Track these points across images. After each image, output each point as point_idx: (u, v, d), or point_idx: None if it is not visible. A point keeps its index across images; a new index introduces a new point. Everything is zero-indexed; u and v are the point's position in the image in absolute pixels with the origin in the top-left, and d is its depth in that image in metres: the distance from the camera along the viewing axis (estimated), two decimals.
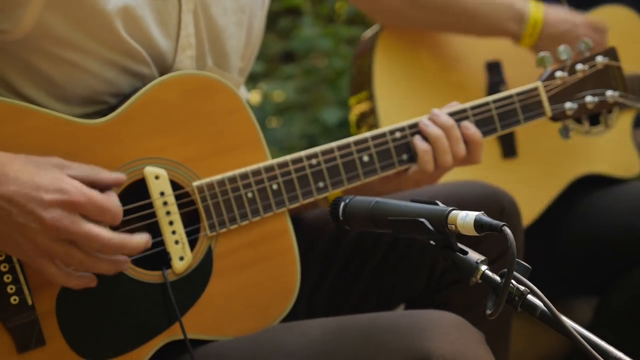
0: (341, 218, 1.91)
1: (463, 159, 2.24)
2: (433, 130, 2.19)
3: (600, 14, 3.25)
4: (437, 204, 1.79)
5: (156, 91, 2.00)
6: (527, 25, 3.00)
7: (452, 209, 1.75)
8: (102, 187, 1.89)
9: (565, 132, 2.40)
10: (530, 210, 3.11)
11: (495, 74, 3.13)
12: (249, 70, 2.41)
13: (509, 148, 3.13)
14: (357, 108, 3.12)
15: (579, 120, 3.13)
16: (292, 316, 2.12)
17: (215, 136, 2.04)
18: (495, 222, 1.69)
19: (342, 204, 1.90)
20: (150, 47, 2.04)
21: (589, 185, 3.26)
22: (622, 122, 3.31)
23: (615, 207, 3.20)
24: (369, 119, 3.04)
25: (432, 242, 1.80)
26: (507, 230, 1.66)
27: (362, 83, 3.09)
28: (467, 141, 2.22)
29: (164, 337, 1.98)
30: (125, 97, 2.02)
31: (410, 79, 3.08)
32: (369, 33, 3.19)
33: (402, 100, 2.85)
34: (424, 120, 2.20)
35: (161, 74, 2.06)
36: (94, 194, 1.84)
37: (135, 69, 2.03)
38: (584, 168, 3.26)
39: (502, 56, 3.12)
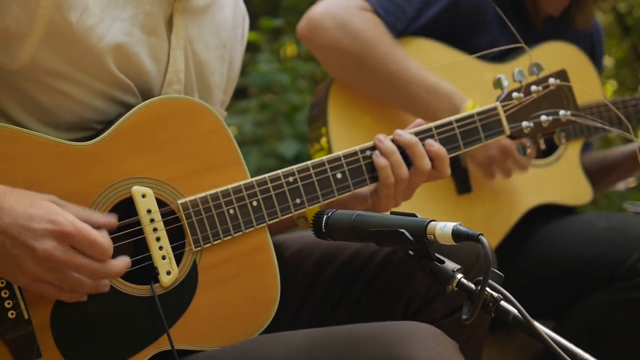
0: (324, 230, 2.03)
1: (430, 173, 2.36)
2: (387, 146, 2.31)
3: (547, 49, 3.41)
4: (416, 216, 1.91)
5: (142, 114, 2.11)
6: None
7: (431, 220, 1.88)
8: (95, 227, 1.98)
9: (522, 150, 2.53)
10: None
11: None
12: (227, 103, 2.53)
13: (463, 185, 3.25)
14: (314, 140, 3.27)
15: (535, 142, 3.30)
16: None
17: (198, 156, 2.15)
18: (471, 231, 1.82)
19: (325, 217, 2.03)
20: (140, 80, 2.16)
21: (544, 214, 3.40)
22: (571, 152, 3.46)
23: (568, 237, 3.34)
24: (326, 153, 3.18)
25: (410, 252, 1.92)
26: (484, 239, 1.79)
27: (319, 125, 3.23)
28: (432, 157, 2.35)
29: (153, 349, 2.07)
30: (110, 123, 2.13)
31: (362, 122, 3.23)
32: (323, 83, 3.34)
33: (356, 138, 3.00)
34: (379, 136, 2.33)
35: None
36: (86, 227, 1.93)
37: (123, 99, 2.15)
38: (537, 199, 3.39)
39: None
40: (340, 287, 2.51)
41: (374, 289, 2.47)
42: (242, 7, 2.50)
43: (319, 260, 2.51)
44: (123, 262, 1.99)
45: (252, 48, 6.36)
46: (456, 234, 1.84)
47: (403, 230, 1.90)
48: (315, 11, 3.19)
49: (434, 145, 2.35)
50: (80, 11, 2.04)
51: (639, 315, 3.21)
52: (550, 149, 3.43)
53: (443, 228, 1.86)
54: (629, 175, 3.90)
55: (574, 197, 3.48)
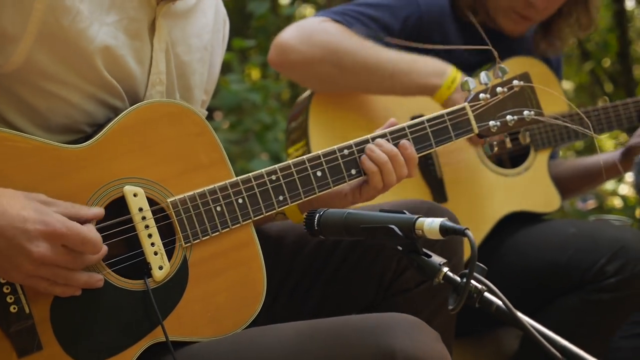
0: (316, 228, 2.16)
1: (404, 177, 2.49)
2: (379, 155, 2.44)
3: (514, 63, 3.53)
4: (404, 213, 2.04)
5: (131, 118, 2.22)
6: (447, 78, 3.25)
7: (419, 217, 2.02)
8: (83, 222, 2.09)
9: (490, 148, 2.66)
10: None
11: None
12: (208, 103, 2.64)
13: (439, 194, 3.40)
14: (295, 154, 3.38)
15: (501, 163, 3.43)
16: (254, 326, 2.33)
17: (185, 156, 2.26)
18: (458, 226, 1.96)
19: (317, 215, 2.17)
20: (126, 83, 2.27)
21: (515, 222, 3.51)
22: (539, 162, 3.60)
23: (538, 243, 3.46)
24: None
25: (399, 247, 2.05)
26: (469, 233, 1.92)
27: (299, 136, 3.36)
28: (405, 159, 2.48)
29: (148, 340, 2.17)
30: (100, 126, 2.24)
31: (342, 132, 3.34)
32: (303, 96, 3.45)
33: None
34: (369, 146, 2.45)
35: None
36: (76, 226, 2.04)
37: (111, 102, 2.26)
38: (509, 207, 3.51)
39: (425, 111, 3.31)
40: (314, 266, 2.63)
41: (347, 266, 2.60)
42: (223, 10, 2.61)
43: (293, 243, 2.64)
44: (103, 249, 2.09)
45: (222, 68, 6.51)
46: (443, 229, 1.98)
47: (393, 226, 2.03)
48: (280, 37, 3.32)
49: (408, 148, 2.48)
50: (72, 14, 2.14)
51: (607, 316, 3.33)
52: (520, 159, 3.57)
53: (431, 223, 1.99)
54: (601, 183, 4.05)
55: (543, 205, 3.60)
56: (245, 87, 6.18)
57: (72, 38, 2.15)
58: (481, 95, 2.62)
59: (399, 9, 3.39)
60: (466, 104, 2.61)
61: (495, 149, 2.66)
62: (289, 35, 3.30)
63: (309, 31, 3.27)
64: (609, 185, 7.56)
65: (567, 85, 10.59)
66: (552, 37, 3.67)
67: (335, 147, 2.43)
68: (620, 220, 3.66)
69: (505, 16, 3.54)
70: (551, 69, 3.71)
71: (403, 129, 2.51)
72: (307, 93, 3.43)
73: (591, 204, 7.98)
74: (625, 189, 8.77)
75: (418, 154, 2.51)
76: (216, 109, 6.51)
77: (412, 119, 3.28)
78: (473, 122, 2.60)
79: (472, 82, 2.60)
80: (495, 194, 3.49)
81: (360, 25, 3.33)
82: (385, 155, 2.43)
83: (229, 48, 6.27)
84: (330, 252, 2.60)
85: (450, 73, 3.25)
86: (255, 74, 9.23)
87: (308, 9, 11.95)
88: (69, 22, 2.14)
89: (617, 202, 8.76)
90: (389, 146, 2.46)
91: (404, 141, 2.48)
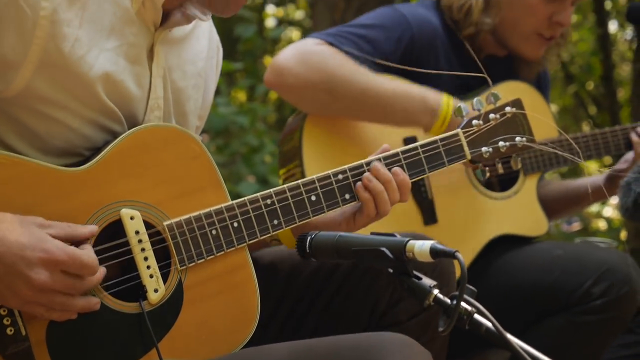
0: (308, 251, 2.19)
1: (396, 202, 2.51)
2: (376, 185, 2.47)
3: (505, 88, 3.58)
4: (395, 236, 2.08)
5: (129, 141, 2.24)
6: (439, 118, 3.28)
7: (409, 239, 2.05)
8: (80, 242, 2.11)
9: (482, 174, 2.70)
10: None
11: None
12: (201, 128, 2.67)
13: (429, 216, 3.43)
14: (287, 174, 3.41)
15: (491, 187, 3.46)
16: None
17: (182, 180, 2.29)
18: (448, 248, 1.99)
19: (309, 238, 2.20)
20: (126, 107, 2.30)
21: (503, 244, 3.55)
22: (528, 186, 3.64)
23: (526, 265, 3.49)
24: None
25: (390, 269, 2.08)
26: (459, 255, 1.95)
27: (292, 156, 3.39)
28: (398, 185, 2.50)
29: None
30: (98, 149, 2.26)
31: (335, 153, 3.38)
32: (295, 115, 3.49)
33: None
34: (367, 175, 2.47)
35: None
36: (76, 252, 2.06)
37: (110, 126, 2.28)
38: (498, 230, 3.55)
39: (418, 132, 3.40)
40: (307, 296, 2.65)
41: (341, 296, 2.63)
42: (216, 37, 2.64)
43: (288, 271, 2.67)
44: (101, 272, 2.11)
45: None
46: (434, 251, 2.01)
47: (384, 249, 2.06)
48: (277, 58, 3.35)
49: (400, 175, 2.51)
50: (72, 41, 2.17)
51: (593, 337, 3.36)
52: (510, 182, 3.61)
53: (421, 246, 2.02)
54: (589, 205, 4.09)
55: (531, 229, 3.64)
56: (233, 110, 6.21)
57: (72, 65, 2.18)
58: (474, 122, 2.65)
59: (392, 30, 3.43)
60: (459, 130, 2.64)
61: (488, 174, 2.69)
62: (286, 57, 3.33)
63: (306, 54, 3.31)
64: (594, 207, 7.62)
65: (551, 107, 10.67)
66: (533, 63, 3.72)
67: (329, 172, 2.46)
68: (605, 243, 3.70)
69: (528, 41, 3.59)
70: (541, 93, 3.76)
71: (397, 154, 2.54)
72: (300, 113, 3.46)
73: (576, 226, 8.04)
74: (610, 211, 8.84)
75: (411, 179, 2.54)
76: (204, 131, 6.53)
77: (405, 139, 3.37)
78: (466, 148, 2.63)
79: (465, 108, 2.64)
80: (484, 217, 3.53)
81: (355, 47, 3.37)
82: (381, 185, 2.46)
83: None
84: (324, 281, 2.64)
85: (442, 110, 3.27)
86: (241, 96, 9.27)
87: (294, 32, 12.02)
88: (69, 49, 2.17)
89: (601, 225, 8.83)
90: (385, 173, 2.48)
91: (396, 168, 2.51)
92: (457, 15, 3.54)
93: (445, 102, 3.28)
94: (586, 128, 10.64)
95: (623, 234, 6.92)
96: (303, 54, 3.31)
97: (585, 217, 8.22)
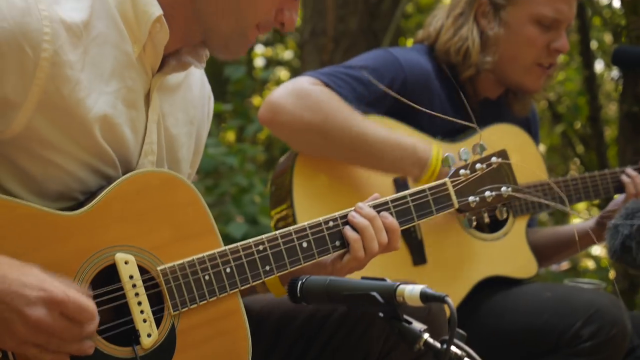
0: (299, 295, 2.22)
1: (385, 246, 2.54)
2: (360, 220, 2.50)
3: (494, 131, 3.63)
4: (385, 280, 2.10)
5: (125, 186, 2.27)
6: (428, 171, 3.31)
7: (400, 284, 2.07)
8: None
9: (469, 223, 2.73)
10: None
11: (402, 190, 3.45)
12: (193, 176, 2.70)
13: (418, 256, 3.45)
14: (278, 216, 3.44)
15: (480, 228, 3.49)
16: None
17: (175, 225, 2.31)
18: (438, 293, 2.01)
19: (300, 282, 2.23)
20: (121, 152, 2.32)
21: (493, 285, 3.57)
22: (517, 227, 3.66)
23: (515, 307, 3.51)
24: (290, 223, 3.34)
25: (380, 314, 2.10)
26: (449, 300, 1.98)
27: (283, 198, 3.41)
28: (386, 229, 2.53)
29: None
30: (92, 194, 2.28)
31: (325, 194, 3.41)
32: (286, 156, 3.52)
33: (319, 211, 3.16)
34: (352, 213, 2.51)
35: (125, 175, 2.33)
36: (75, 294, 2.08)
37: (105, 171, 2.31)
38: (487, 271, 3.56)
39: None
40: (299, 346, 2.66)
41: (332, 347, 2.64)
42: (208, 87, 2.68)
43: (278, 320, 2.68)
44: (96, 320, 2.12)
45: None
46: (424, 296, 2.03)
47: (374, 293, 2.09)
48: (272, 95, 3.38)
49: (388, 217, 2.54)
50: (73, 84, 2.20)
51: None
52: (499, 224, 3.64)
53: (412, 290, 2.05)
54: (579, 252, 4.11)
55: (521, 270, 3.66)
56: (222, 150, 6.24)
57: (72, 106, 2.21)
58: (461, 171, 2.70)
59: (385, 73, 3.47)
60: (447, 179, 2.68)
61: (474, 223, 2.73)
62: (282, 94, 3.36)
63: (302, 94, 3.34)
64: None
65: (540, 147, 10.73)
66: (524, 97, 3.76)
67: (320, 219, 2.49)
68: (594, 284, 3.72)
69: (530, 73, 3.63)
70: (528, 132, 3.80)
71: (386, 202, 2.57)
72: (291, 153, 3.48)
73: (564, 265, 8.06)
74: (598, 250, 8.87)
75: (401, 227, 2.57)
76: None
77: (395, 181, 3.40)
78: (454, 197, 2.67)
79: (452, 158, 2.68)
80: (473, 258, 3.55)
81: (349, 88, 3.41)
82: (366, 220, 2.49)
83: None
84: (315, 330, 2.66)
85: (432, 162, 3.31)
86: (230, 135, 9.30)
87: (283, 72, 12.07)
88: (69, 91, 2.20)
89: (590, 264, 8.85)
90: (368, 209, 2.51)
91: (383, 212, 2.54)
92: (456, 59, 3.58)
93: (435, 154, 3.32)
94: (574, 167, 10.70)
95: (612, 274, 6.94)
96: (299, 93, 3.34)
97: (573, 256, 8.23)
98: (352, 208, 2.54)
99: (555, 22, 3.57)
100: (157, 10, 2.30)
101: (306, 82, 3.38)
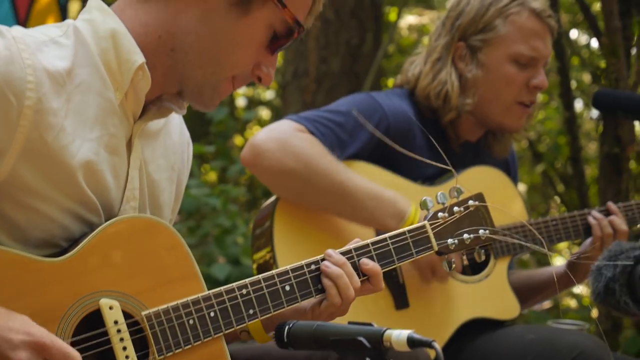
0: (286, 340, 2.22)
1: (364, 289, 2.54)
2: (333, 269, 2.50)
3: (473, 173, 3.67)
4: (372, 325, 2.11)
5: (107, 233, 2.28)
6: (405, 224, 3.34)
7: (387, 329, 2.08)
8: None
9: (448, 266, 2.75)
10: None
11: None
12: (174, 221, 2.71)
13: (401, 300, 3.46)
14: (260, 261, 3.45)
15: (462, 270, 3.51)
16: None
17: (159, 270, 2.32)
18: (425, 338, 2.02)
19: (286, 327, 2.23)
20: (103, 197, 2.33)
21: (476, 328, 3.58)
22: (499, 269, 3.68)
23: (499, 350, 3.51)
24: (271, 268, 3.35)
25: (368, 359, 2.11)
26: (436, 345, 1.99)
27: (265, 242, 3.43)
28: (368, 275, 2.54)
29: None
30: (75, 241, 2.29)
31: (306, 239, 3.43)
32: (268, 201, 3.54)
33: (301, 256, 3.19)
34: (324, 262, 2.52)
35: (107, 221, 2.33)
36: (60, 340, 2.09)
37: (88, 217, 2.31)
38: (469, 314, 3.58)
39: None
40: None
41: None
42: (187, 133, 2.69)
43: None
44: None
45: None
46: (411, 341, 2.05)
47: (361, 338, 2.09)
48: (256, 137, 3.41)
49: (369, 263, 2.55)
50: (56, 131, 2.21)
51: None
52: (481, 266, 3.66)
53: (398, 335, 2.06)
54: (553, 295, 4.13)
55: (503, 312, 3.67)
56: (205, 191, 6.24)
57: (55, 153, 2.22)
58: (439, 214, 2.72)
59: (368, 118, 3.49)
60: (426, 222, 2.70)
61: (454, 266, 2.74)
62: (265, 138, 3.39)
63: (286, 140, 3.37)
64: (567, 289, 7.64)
65: (520, 186, 10.79)
66: (503, 137, 3.79)
67: (302, 262, 2.50)
68: (577, 325, 3.73)
69: (511, 112, 3.67)
70: (507, 173, 3.82)
71: (367, 245, 2.59)
72: (272, 198, 3.50)
73: (546, 304, 8.08)
74: (580, 288, 8.89)
75: (382, 270, 2.58)
76: None
77: (377, 230, 3.39)
78: (433, 240, 2.69)
79: (430, 201, 2.70)
80: (456, 300, 3.56)
81: (333, 135, 3.43)
82: (338, 269, 2.50)
83: None
84: None
85: (410, 217, 3.34)
86: (212, 176, 9.31)
87: (264, 111, 12.12)
88: (53, 138, 2.21)
89: (572, 303, 8.86)
90: (338, 256, 2.52)
91: (364, 258, 2.55)
92: (436, 103, 3.62)
93: (413, 210, 3.36)
94: (555, 206, 10.75)
95: (594, 312, 6.96)
96: (282, 138, 3.37)
97: (548, 299, 8.24)
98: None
99: (532, 59, 3.62)
100: (139, 58, 2.32)
101: (290, 128, 3.40)
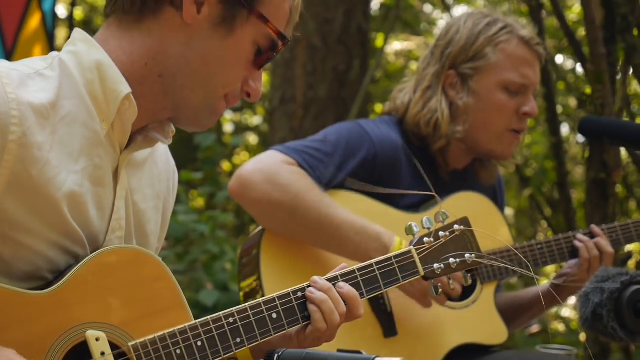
0: None
1: (345, 315, 2.55)
2: (318, 295, 2.51)
3: (458, 199, 3.68)
4: (361, 353, 2.11)
5: (93, 264, 2.28)
6: None
7: (376, 356, 2.08)
8: None
9: (435, 290, 2.75)
10: None
11: None
12: (160, 249, 2.71)
13: (389, 328, 3.46)
14: (247, 289, 3.45)
15: (449, 296, 3.51)
16: None
17: (146, 301, 2.32)
18: None
19: (276, 355, 2.22)
20: (87, 229, 2.33)
21: (464, 354, 3.58)
22: (486, 294, 3.69)
23: None
24: (257, 296, 3.36)
25: None
26: None
27: (251, 271, 3.43)
28: (345, 299, 2.54)
29: None
30: (61, 273, 2.29)
31: (293, 268, 3.44)
32: (255, 230, 3.55)
33: (287, 285, 3.19)
34: (309, 289, 2.53)
35: (93, 252, 2.33)
36: None
37: (73, 249, 2.31)
38: (458, 340, 3.58)
39: None
40: None
41: None
42: (172, 162, 2.70)
43: None
44: None
45: None
46: None
47: None
48: (244, 168, 3.42)
49: (344, 287, 2.55)
50: (41, 164, 2.21)
51: None
52: (468, 291, 3.66)
53: None
54: (539, 315, 4.14)
55: (491, 337, 3.68)
56: (193, 218, 6.24)
57: (41, 186, 2.22)
58: (425, 239, 2.73)
59: (356, 149, 3.51)
60: (412, 247, 2.72)
61: (440, 290, 2.75)
62: (253, 170, 3.40)
63: (275, 171, 3.38)
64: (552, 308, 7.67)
65: (507, 210, 10.82)
66: (488, 163, 3.81)
67: (289, 289, 2.51)
68: (565, 350, 3.73)
69: (501, 139, 3.68)
70: (494, 199, 3.83)
71: (353, 271, 2.60)
72: (259, 227, 3.51)
73: (535, 328, 8.09)
74: (568, 312, 8.91)
75: (367, 295, 2.60)
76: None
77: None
78: (419, 264, 2.70)
79: (415, 226, 2.71)
80: (444, 327, 3.56)
81: (321, 166, 3.44)
82: (323, 294, 2.51)
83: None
84: None
85: (393, 249, 3.34)
86: (200, 201, 9.31)
87: (252, 136, 12.15)
88: (38, 172, 2.21)
89: (560, 327, 8.88)
90: (323, 282, 2.53)
91: (340, 282, 2.56)
92: (426, 131, 3.64)
93: (397, 242, 3.37)
94: (542, 229, 10.77)
95: (582, 336, 6.97)
96: (270, 170, 3.38)
97: (543, 318, 8.26)
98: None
99: (522, 87, 3.64)
100: (125, 89, 2.32)
101: (278, 160, 3.41)
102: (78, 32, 2.41)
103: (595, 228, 3.72)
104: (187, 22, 2.34)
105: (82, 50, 2.35)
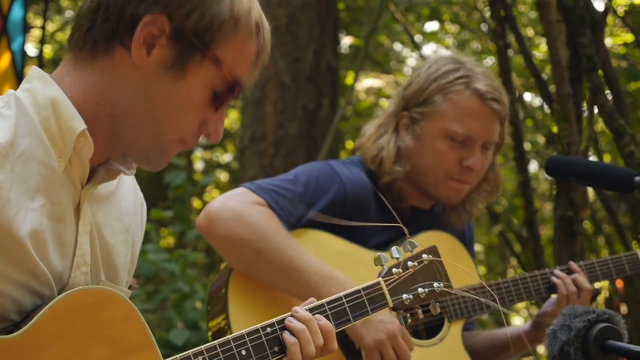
0: None
1: (322, 348, 2.57)
2: (297, 324, 2.53)
3: (426, 238, 3.68)
4: None
5: (60, 306, 2.26)
6: None
7: None
8: None
9: (404, 320, 2.77)
10: None
11: None
12: (129, 282, 2.70)
13: None
14: (215, 328, 3.45)
15: (417, 334, 3.52)
16: None
17: (114, 342, 2.31)
18: None
19: None
20: (51, 267, 2.31)
21: None
22: (453, 332, 3.69)
23: None
24: (225, 335, 3.35)
25: None
26: None
27: (219, 310, 3.44)
28: (321, 331, 2.57)
29: None
30: (28, 314, 2.27)
31: (261, 307, 3.45)
32: (222, 270, 3.56)
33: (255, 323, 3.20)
34: (289, 317, 2.55)
35: (59, 291, 2.33)
36: None
37: (39, 289, 2.30)
38: None
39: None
40: None
41: None
42: (140, 195, 2.68)
43: None
44: None
45: None
46: None
47: None
48: (212, 205, 3.42)
49: (322, 319, 2.58)
50: (2, 203, 2.19)
51: None
52: (436, 330, 3.68)
53: None
54: (521, 352, 4.16)
55: None
56: (163, 256, 6.23)
57: (3, 226, 2.20)
58: (394, 270, 2.76)
59: (327, 188, 3.54)
60: (380, 279, 2.74)
61: (409, 320, 2.77)
62: (221, 207, 3.41)
63: (243, 210, 3.39)
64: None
65: (477, 247, 10.86)
66: (460, 208, 3.83)
67: (258, 325, 2.51)
68: None
69: (442, 185, 3.68)
70: (462, 242, 3.86)
71: (322, 305, 2.62)
72: (227, 268, 3.51)
73: None
74: (541, 349, 8.93)
75: (337, 329, 2.61)
76: (134, 276, 6.52)
77: None
78: (388, 296, 2.73)
79: (384, 257, 2.73)
80: None
81: (290, 206, 3.45)
82: (301, 324, 2.53)
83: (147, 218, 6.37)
84: None
85: None
86: (170, 239, 9.28)
87: (223, 174, 12.16)
88: None
89: None
90: (304, 312, 2.55)
91: (317, 315, 2.58)
92: (372, 166, 3.68)
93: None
94: (512, 266, 10.82)
95: None
96: (239, 209, 3.39)
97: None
98: (289, 313, 2.57)
99: (468, 138, 3.62)
100: (80, 125, 2.31)
101: (247, 199, 3.43)
102: (34, 70, 2.40)
103: (573, 264, 3.75)
104: (136, 63, 2.32)
105: (37, 87, 2.34)
